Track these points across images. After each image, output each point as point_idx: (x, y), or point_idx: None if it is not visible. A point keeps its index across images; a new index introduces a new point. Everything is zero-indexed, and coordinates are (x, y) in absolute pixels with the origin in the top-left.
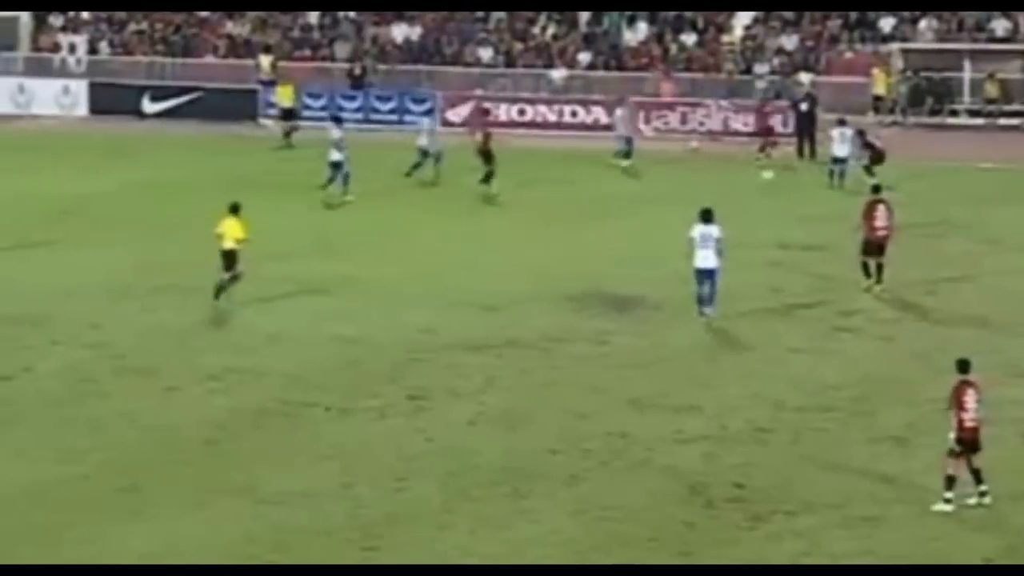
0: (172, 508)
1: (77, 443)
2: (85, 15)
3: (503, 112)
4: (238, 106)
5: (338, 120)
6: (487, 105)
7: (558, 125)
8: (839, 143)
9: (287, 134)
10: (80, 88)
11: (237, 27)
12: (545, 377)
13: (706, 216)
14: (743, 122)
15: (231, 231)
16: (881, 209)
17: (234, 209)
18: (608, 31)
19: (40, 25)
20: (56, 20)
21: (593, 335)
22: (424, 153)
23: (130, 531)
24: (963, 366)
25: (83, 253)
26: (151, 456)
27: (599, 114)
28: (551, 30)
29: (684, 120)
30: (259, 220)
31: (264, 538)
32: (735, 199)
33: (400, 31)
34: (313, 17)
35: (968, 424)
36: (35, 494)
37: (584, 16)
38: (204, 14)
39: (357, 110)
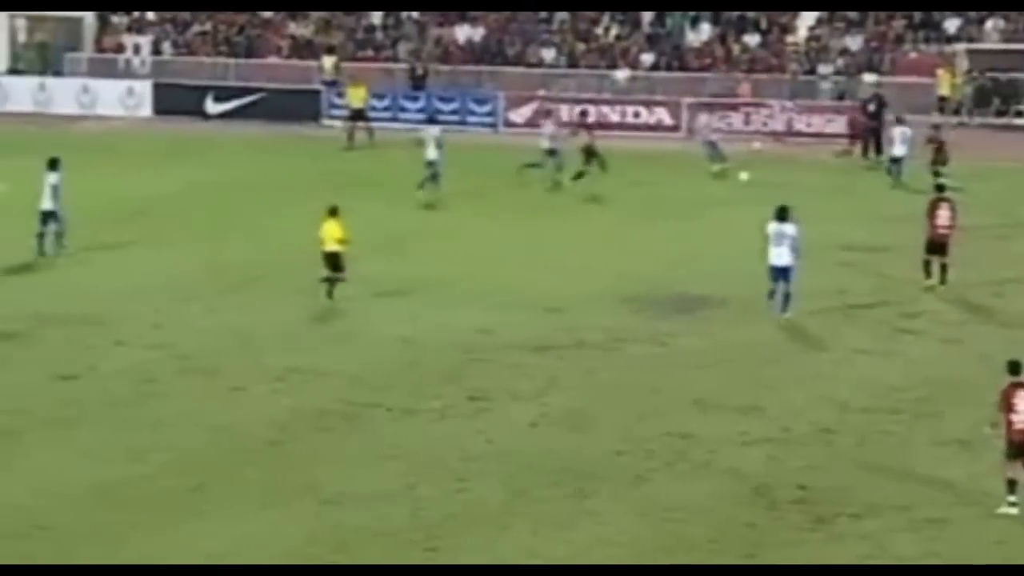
0: (236, 508)
1: (141, 443)
2: (150, 16)
3: (565, 113)
4: (301, 107)
5: (433, 120)
6: (585, 107)
7: (620, 126)
8: (899, 143)
9: (351, 135)
10: (144, 89)
11: (300, 28)
12: (608, 378)
13: (781, 214)
14: (806, 123)
15: (332, 233)
16: (944, 208)
17: (333, 212)
18: (671, 32)
19: (104, 26)
20: (120, 21)
21: (656, 335)
22: (549, 161)
23: (194, 531)
24: (1015, 368)
25: (147, 254)
26: (215, 456)
27: (662, 115)
28: (614, 31)
29: (748, 121)
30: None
31: (326, 538)
32: (799, 200)
33: (463, 32)
34: (376, 18)
35: (1018, 427)
36: (99, 493)
37: (647, 17)
38: (268, 15)
39: (419, 111)
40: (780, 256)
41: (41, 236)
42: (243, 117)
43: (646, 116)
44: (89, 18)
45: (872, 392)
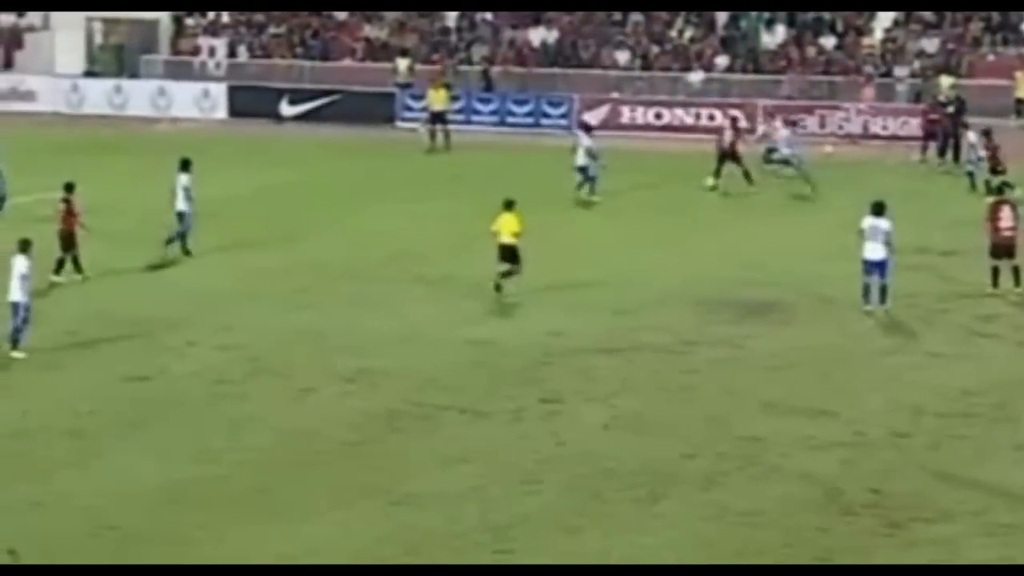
0: (306, 509)
1: (212, 444)
2: (225, 18)
3: (639, 115)
4: (375, 109)
5: (588, 128)
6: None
7: (695, 128)
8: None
9: (433, 136)
10: (219, 91)
11: (375, 30)
12: (679, 381)
13: (877, 209)
14: (882, 125)
15: (508, 226)
16: (1005, 210)
17: (509, 205)
18: (746, 34)
19: (180, 29)
20: (196, 23)
21: (727, 338)
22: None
23: (264, 532)
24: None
25: (220, 255)
26: (286, 457)
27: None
28: (688, 33)
29: (823, 124)
30: (390, 222)
31: (396, 540)
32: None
33: (537, 34)
34: (451, 20)
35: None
36: (170, 494)
37: (722, 18)
38: (342, 17)
39: (492, 113)
40: (875, 250)
41: (183, 236)
42: (317, 120)
43: (720, 119)
44: (165, 20)
45: (946, 396)
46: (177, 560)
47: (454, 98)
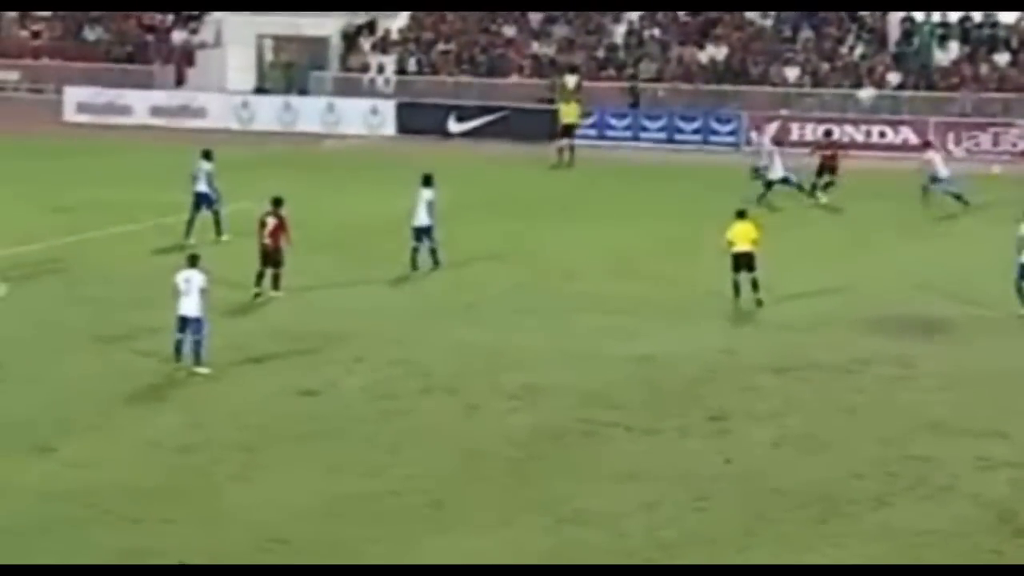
0: (474, 525)
1: (380, 459)
2: (394, 35)
3: (808, 132)
4: (543, 126)
5: (779, 143)
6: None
7: (866, 146)
8: None
9: (561, 151)
10: (388, 108)
11: (543, 47)
12: (848, 400)
13: None
14: None
15: (747, 234)
16: None
17: (742, 214)
18: (919, 51)
19: (350, 46)
20: (365, 42)
21: (897, 358)
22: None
23: (432, 546)
24: None
25: (390, 271)
26: (454, 473)
27: (908, 134)
28: (859, 50)
29: (996, 141)
30: (551, 239)
31: (564, 556)
32: None
33: (706, 51)
34: (619, 37)
35: None
36: (338, 508)
37: (894, 35)
38: (510, 34)
39: (660, 130)
40: None
41: (415, 251)
42: (485, 136)
43: (892, 136)
44: (335, 38)
45: None
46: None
47: (586, 114)
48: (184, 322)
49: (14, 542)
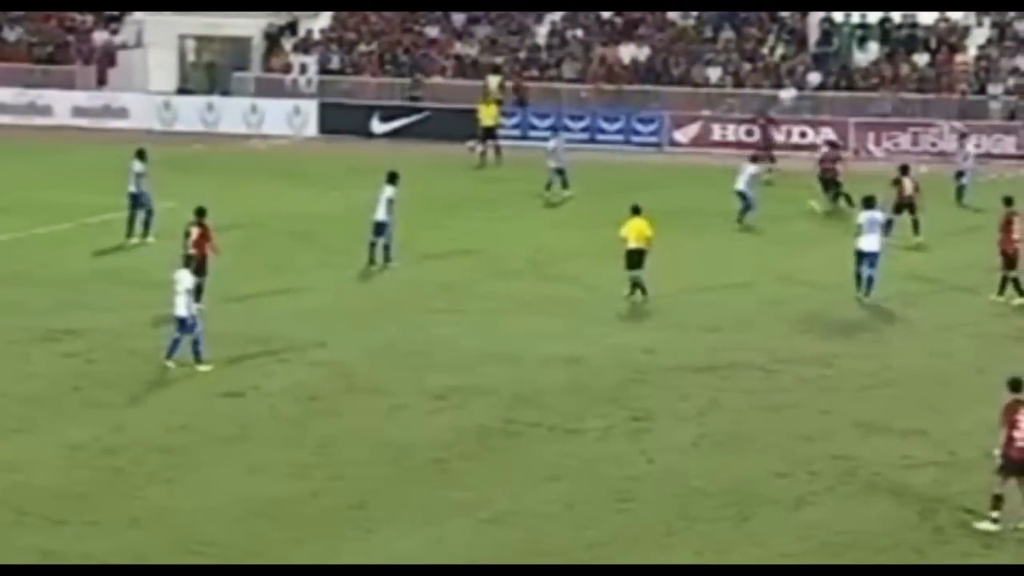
0: (398, 526)
1: (305, 460)
2: (316, 35)
3: (730, 133)
4: (466, 127)
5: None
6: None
7: (786, 146)
8: None
9: (483, 153)
10: (310, 108)
11: (466, 47)
12: (770, 399)
13: (869, 203)
14: (975, 143)
15: (641, 231)
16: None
17: (636, 210)
18: (838, 51)
19: (272, 46)
20: (288, 42)
21: (819, 357)
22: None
23: (356, 548)
24: (1016, 385)
25: (311, 273)
26: (378, 474)
27: (827, 135)
28: (780, 50)
29: (916, 141)
30: (482, 240)
31: (487, 557)
32: (964, 222)
33: (628, 51)
34: (541, 38)
35: (1019, 444)
36: (264, 510)
37: (813, 35)
38: (433, 34)
39: (583, 130)
40: (871, 242)
41: (373, 246)
42: (409, 136)
43: (812, 136)
44: (257, 38)
45: None
46: None
47: (504, 114)
48: (177, 321)
49: None
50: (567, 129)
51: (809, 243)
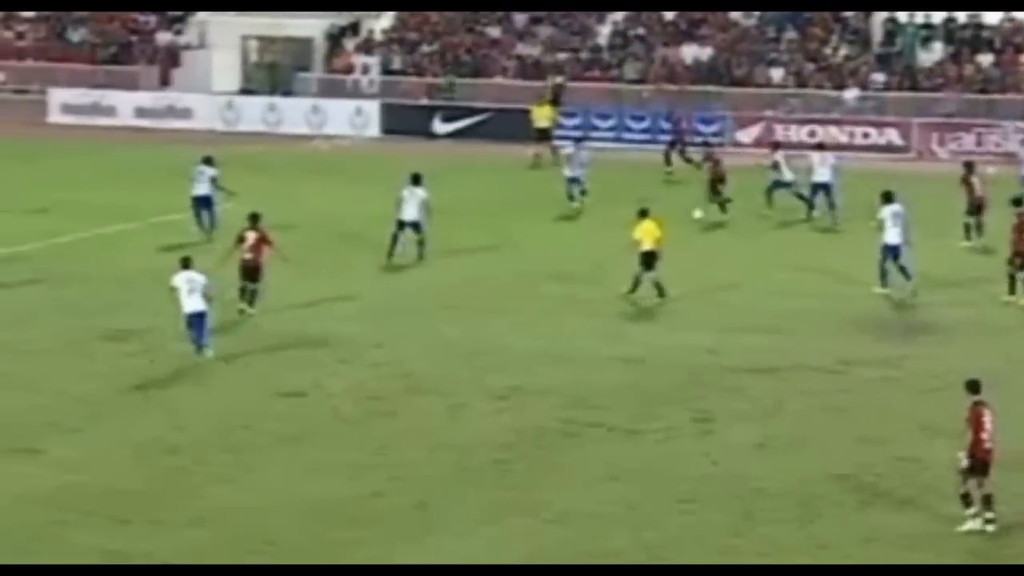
0: (458, 526)
1: (365, 460)
2: (378, 36)
3: (793, 133)
4: (528, 127)
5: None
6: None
7: (850, 147)
8: None
9: (537, 154)
10: (372, 109)
11: (527, 48)
12: (834, 401)
13: (888, 197)
14: None
15: (651, 232)
16: None
17: (644, 212)
18: (902, 51)
19: (334, 47)
20: (350, 42)
21: (882, 359)
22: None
23: (416, 548)
24: (974, 387)
25: (372, 272)
26: (438, 474)
27: (892, 135)
28: (843, 51)
29: (979, 142)
30: (536, 240)
31: (548, 557)
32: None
33: (690, 51)
34: (603, 39)
35: (986, 445)
36: (324, 510)
37: (877, 36)
38: (495, 35)
39: (643, 131)
40: (895, 235)
41: (395, 239)
42: (470, 137)
43: (875, 137)
44: (319, 39)
45: None
46: None
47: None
48: (193, 318)
49: None
50: (628, 130)
51: (866, 243)
